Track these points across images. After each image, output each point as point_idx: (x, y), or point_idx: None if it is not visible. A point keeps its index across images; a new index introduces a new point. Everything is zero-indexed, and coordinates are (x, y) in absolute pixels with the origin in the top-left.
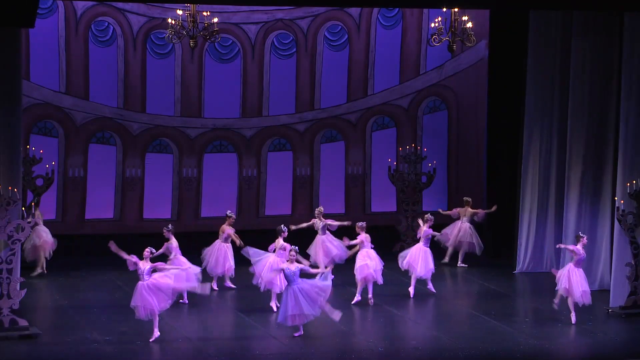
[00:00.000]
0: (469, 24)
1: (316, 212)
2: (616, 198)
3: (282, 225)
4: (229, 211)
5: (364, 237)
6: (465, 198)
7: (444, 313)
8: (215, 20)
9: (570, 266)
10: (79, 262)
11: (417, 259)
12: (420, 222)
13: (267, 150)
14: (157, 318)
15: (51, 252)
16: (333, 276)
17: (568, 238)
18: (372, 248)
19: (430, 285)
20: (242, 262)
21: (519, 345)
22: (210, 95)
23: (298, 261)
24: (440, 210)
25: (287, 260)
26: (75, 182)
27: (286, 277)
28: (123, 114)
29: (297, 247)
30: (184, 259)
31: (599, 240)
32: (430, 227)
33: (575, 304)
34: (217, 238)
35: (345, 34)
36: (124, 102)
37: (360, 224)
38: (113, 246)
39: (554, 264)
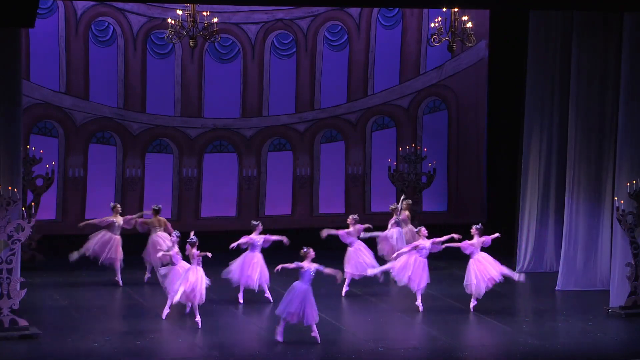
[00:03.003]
0: (469, 24)
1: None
2: (616, 198)
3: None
4: (253, 221)
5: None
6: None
7: (443, 313)
8: (215, 20)
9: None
10: (79, 262)
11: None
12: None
13: (267, 150)
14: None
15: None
16: None
17: (568, 237)
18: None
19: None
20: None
21: (518, 345)
22: (210, 95)
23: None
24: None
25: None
26: (75, 182)
27: (302, 276)
28: (123, 114)
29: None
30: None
31: (599, 240)
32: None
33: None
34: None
35: (345, 34)
36: (124, 102)
37: (477, 226)
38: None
39: (554, 264)
